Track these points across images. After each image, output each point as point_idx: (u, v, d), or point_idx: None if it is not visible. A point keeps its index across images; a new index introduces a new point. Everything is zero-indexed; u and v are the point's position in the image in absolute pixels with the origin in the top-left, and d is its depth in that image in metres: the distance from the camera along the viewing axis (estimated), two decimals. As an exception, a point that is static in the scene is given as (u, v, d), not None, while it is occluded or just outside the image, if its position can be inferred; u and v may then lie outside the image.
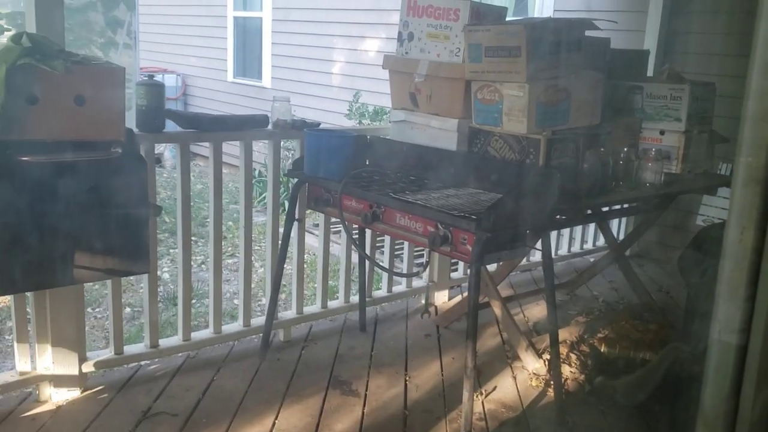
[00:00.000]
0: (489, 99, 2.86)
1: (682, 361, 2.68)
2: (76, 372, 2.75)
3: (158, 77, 10.30)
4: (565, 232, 4.76)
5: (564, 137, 2.82)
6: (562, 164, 2.79)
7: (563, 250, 4.78)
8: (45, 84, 1.87)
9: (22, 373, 2.65)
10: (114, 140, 2.01)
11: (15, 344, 2.66)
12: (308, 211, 3.32)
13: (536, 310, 3.91)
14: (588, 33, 2.99)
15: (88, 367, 2.80)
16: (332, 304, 3.59)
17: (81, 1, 8.17)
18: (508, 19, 3.22)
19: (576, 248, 4.87)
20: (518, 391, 3.04)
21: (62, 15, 2.46)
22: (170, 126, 2.87)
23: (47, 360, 2.69)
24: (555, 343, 2.83)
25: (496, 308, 3.25)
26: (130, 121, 2.37)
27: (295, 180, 3.08)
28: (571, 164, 2.83)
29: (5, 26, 8.16)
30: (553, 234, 4.45)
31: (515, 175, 2.69)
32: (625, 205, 3.58)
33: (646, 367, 2.89)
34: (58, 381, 2.71)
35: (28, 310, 2.62)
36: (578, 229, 4.81)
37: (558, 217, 3.01)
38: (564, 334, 3.39)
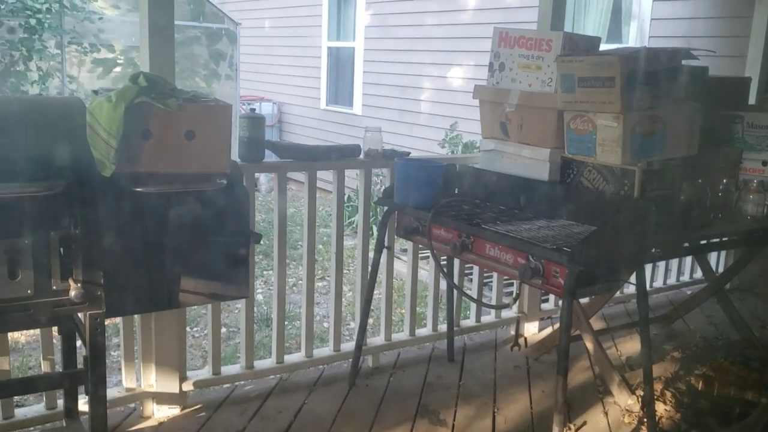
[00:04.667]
0: (582, 129, 2.84)
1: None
2: (176, 390, 2.88)
3: (256, 105, 10.75)
4: (661, 263, 4.61)
5: (660, 168, 2.76)
6: (658, 196, 2.73)
7: (658, 282, 4.63)
8: (159, 120, 2.01)
9: (128, 389, 2.81)
10: (220, 172, 2.13)
11: (122, 362, 2.83)
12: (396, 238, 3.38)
13: (630, 344, 3.80)
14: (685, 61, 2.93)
15: (187, 386, 2.93)
16: (420, 332, 3.61)
17: (187, 35, 8.66)
18: (602, 48, 3.19)
19: (672, 280, 4.70)
20: (609, 427, 2.97)
21: (173, 50, 2.64)
22: (268, 155, 3.00)
23: (151, 378, 2.84)
24: (649, 379, 2.75)
25: (588, 342, 3.19)
26: (233, 151, 2.50)
27: (385, 208, 3.15)
28: (667, 196, 2.77)
29: (118, 60, 8.75)
30: (648, 265, 4.32)
31: (609, 207, 2.65)
32: (725, 238, 3.44)
33: (753, 415, 2.76)
34: (160, 398, 2.86)
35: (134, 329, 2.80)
36: (674, 260, 4.65)
37: (653, 250, 2.94)
38: (659, 369, 3.28)
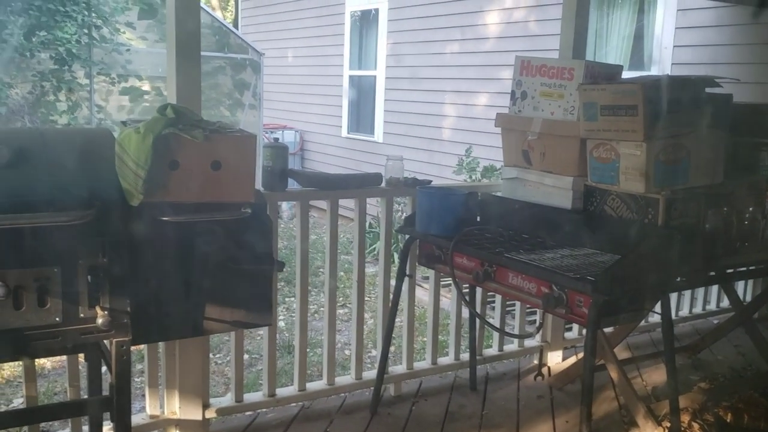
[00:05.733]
0: (605, 157, 2.83)
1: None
2: (199, 417, 2.89)
3: (278, 133, 10.85)
4: (687, 291, 4.55)
5: (684, 196, 2.74)
6: (682, 224, 2.71)
7: (684, 311, 4.56)
8: (186, 151, 2.04)
9: (152, 417, 2.83)
10: (245, 201, 2.16)
11: (146, 388, 2.85)
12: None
13: (655, 374, 3.74)
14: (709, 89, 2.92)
15: (210, 413, 2.94)
16: (442, 360, 3.60)
17: (212, 66, 8.82)
18: (624, 75, 3.20)
19: (698, 309, 4.64)
20: (637, 459, 2.91)
21: (199, 82, 2.69)
22: (291, 183, 3.04)
23: (174, 405, 2.85)
24: (676, 410, 2.71)
25: (613, 372, 3.15)
26: (257, 180, 2.53)
27: (407, 236, 3.16)
28: (692, 224, 2.74)
29: (145, 90, 8.94)
30: (673, 294, 4.26)
31: (633, 236, 2.64)
32: (752, 267, 3.40)
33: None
34: (184, 426, 2.87)
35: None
36: (700, 288, 4.58)
37: (678, 279, 2.91)
38: (685, 400, 3.23)
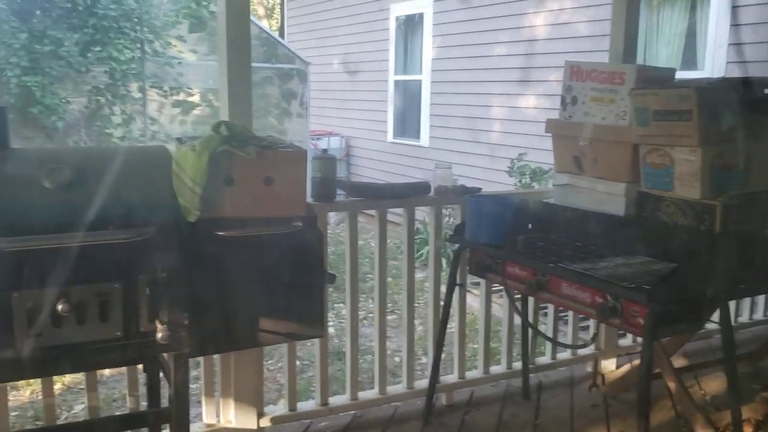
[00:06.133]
0: (659, 163, 2.78)
1: None
2: (254, 426, 2.94)
3: (324, 139, 10.97)
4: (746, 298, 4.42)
5: (743, 202, 2.67)
6: (741, 230, 2.63)
7: (744, 317, 4.44)
8: (239, 167, 2.09)
9: (208, 425, 2.89)
10: (296, 215, 2.19)
11: (203, 397, 2.91)
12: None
13: (715, 383, 3.64)
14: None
15: (265, 422, 2.98)
16: (494, 369, 3.57)
17: (260, 76, 8.98)
18: (677, 77, 3.14)
19: (758, 315, 4.50)
20: (697, 472, 2.84)
21: (250, 96, 2.74)
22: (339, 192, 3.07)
23: (230, 413, 2.91)
24: (738, 421, 2.64)
25: (670, 381, 3.08)
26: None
27: (457, 245, 3.15)
28: (751, 230, 2.67)
29: (196, 101, 9.16)
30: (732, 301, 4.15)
31: (689, 243, 2.58)
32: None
33: None
34: (239, 434, 2.92)
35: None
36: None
37: (737, 286, 2.83)
38: (747, 411, 3.13)
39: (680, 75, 3.22)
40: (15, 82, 7.75)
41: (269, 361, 5.13)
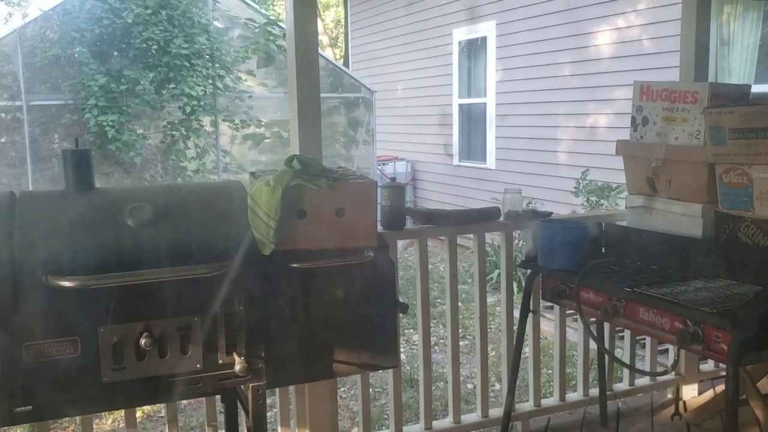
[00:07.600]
0: (737, 182, 2.69)
1: None
2: (330, 456, 2.96)
3: (390, 164, 11.08)
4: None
5: (830, 221, 2.55)
6: (829, 251, 2.52)
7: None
8: (312, 200, 2.14)
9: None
10: (368, 245, 2.21)
11: (278, 427, 2.95)
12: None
13: (807, 410, 3.45)
14: None
15: (340, 451, 3.00)
16: (570, 396, 3.49)
17: (327, 106, 9.18)
18: (753, 91, 3.04)
19: None
20: (792, 506, 2.70)
21: (320, 128, 2.79)
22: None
23: (305, 443, 2.93)
24: (835, 453, 2.49)
25: (757, 408, 2.94)
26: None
27: (528, 271, 3.11)
28: (841, 250, 2.55)
29: (265, 134, 9.43)
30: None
31: (773, 265, 2.48)
32: None
33: None
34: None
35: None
36: None
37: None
38: None
39: (755, 89, 3.12)
40: (93, 122, 8.15)
41: (342, 389, 5.16)
